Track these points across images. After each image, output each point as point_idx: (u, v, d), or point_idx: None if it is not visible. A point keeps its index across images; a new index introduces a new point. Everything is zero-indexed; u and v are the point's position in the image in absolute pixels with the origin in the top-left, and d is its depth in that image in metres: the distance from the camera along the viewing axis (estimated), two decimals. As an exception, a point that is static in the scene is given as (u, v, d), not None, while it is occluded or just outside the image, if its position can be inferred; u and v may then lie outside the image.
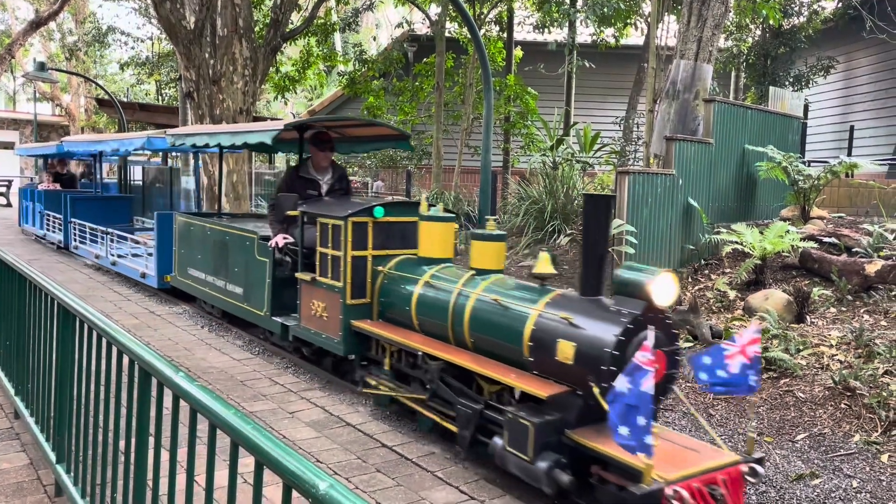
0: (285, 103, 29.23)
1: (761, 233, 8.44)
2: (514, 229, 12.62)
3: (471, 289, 4.69)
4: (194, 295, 8.08)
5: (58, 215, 13.34)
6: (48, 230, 14.19)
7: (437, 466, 4.32)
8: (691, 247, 9.62)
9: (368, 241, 5.40)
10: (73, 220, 12.34)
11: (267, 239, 6.38)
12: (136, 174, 16.66)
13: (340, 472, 4.16)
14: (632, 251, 8.72)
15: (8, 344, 4.65)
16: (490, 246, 5.00)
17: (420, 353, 4.76)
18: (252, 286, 6.66)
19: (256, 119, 17.85)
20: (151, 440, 2.50)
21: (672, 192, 9.48)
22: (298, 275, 5.84)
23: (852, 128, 17.47)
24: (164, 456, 2.34)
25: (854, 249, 8.37)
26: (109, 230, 10.79)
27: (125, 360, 2.65)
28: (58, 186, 15.04)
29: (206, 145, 7.64)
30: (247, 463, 1.82)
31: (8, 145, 33.84)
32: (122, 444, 2.69)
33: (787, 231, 8.42)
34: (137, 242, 10.45)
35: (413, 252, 5.48)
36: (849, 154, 15.50)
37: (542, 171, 12.62)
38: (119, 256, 10.44)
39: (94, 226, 11.33)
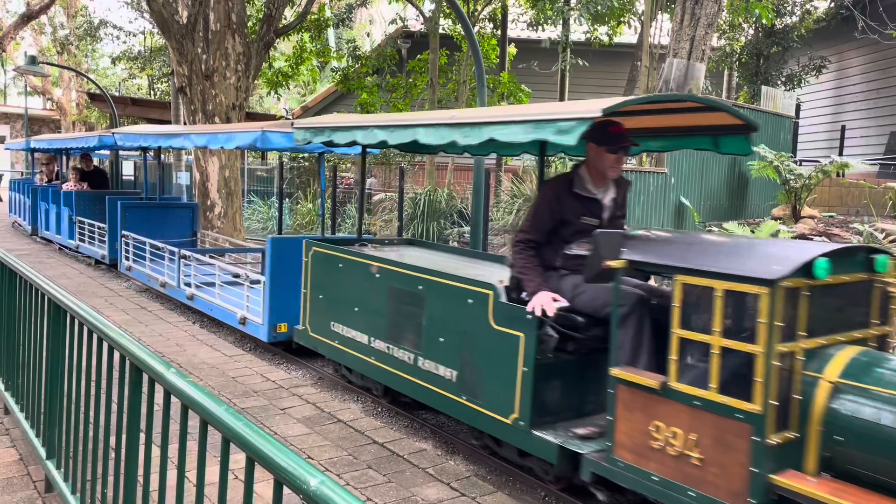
0: (278, 99, 29.17)
1: (752, 231, 8.49)
2: (506, 226, 12.63)
3: None
4: (338, 360, 5.71)
5: (101, 225, 10.91)
6: (82, 240, 11.77)
7: (429, 463, 4.33)
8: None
9: (801, 322, 2.98)
10: (125, 233, 9.69)
11: (517, 299, 4.08)
12: (126, 169, 16.69)
13: (332, 468, 4.17)
14: (624, 249, 8.75)
15: (-2, 339, 4.62)
16: None
17: None
18: (481, 372, 4.22)
19: (250, 115, 17.79)
20: (142, 436, 2.50)
21: (664, 191, 9.52)
22: (619, 372, 3.39)
23: (844, 127, 17.56)
24: (155, 452, 2.33)
25: (844, 248, 8.42)
26: (189, 252, 8.31)
27: (116, 355, 2.64)
28: (85, 186, 13.01)
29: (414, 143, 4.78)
30: (238, 459, 1.82)
31: (-2, 139, 33.62)
32: (112, 439, 2.69)
33: (778, 230, 8.47)
34: (237, 277, 7.42)
35: (865, 337, 3.22)
36: (840, 154, 15.58)
37: (535, 169, 12.63)
38: (200, 287, 7.96)
39: (160, 243, 8.73)
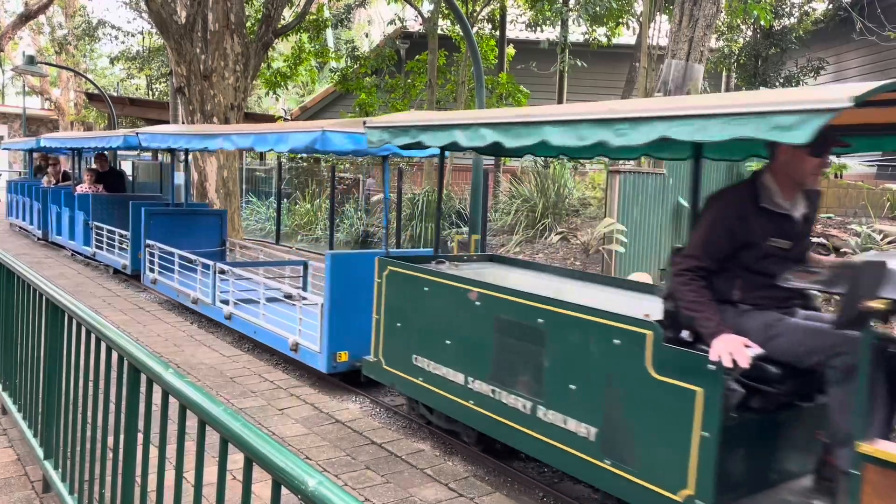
0: (276, 99, 29.17)
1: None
2: (504, 227, 12.64)
3: None
4: (419, 399, 4.88)
5: (122, 232, 10.08)
6: (99, 248, 10.84)
7: (427, 464, 4.33)
8: (681, 246, 9.67)
9: None
10: (150, 242, 8.81)
11: (678, 340, 3.35)
12: (125, 169, 16.51)
13: (330, 468, 4.16)
14: (622, 250, 8.76)
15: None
16: None
17: None
18: (634, 432, 3.36)
19: (248, 116, 17.79)
20: (140, 436, 2.50)
21: (663, 192, 9.52)
22: (871, 449, 2.60)
23: (842, 129, 17.55)
24: (153, 452, 2.33)
25: (842, 250, 8.44)
26: (226, 266, 7.58)
27: (114, 355, 2.64)
28: (101, 189, 12.13)
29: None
30: (236, 459, 1.81)
31: (-4, 139, 33.54)
32: (110, 440, 2.68)
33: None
34: (289, 298, 6.72)
35: None
36: (838, 155, 15.58)
37: (534, 170, 12.65)
38: (239, 305, 7.07)
39: (191, 254, 7.97)
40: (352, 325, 5.51)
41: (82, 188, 12.15)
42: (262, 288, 6.71)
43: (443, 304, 4.54)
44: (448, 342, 4.48)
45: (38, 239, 14.40)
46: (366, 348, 5.27)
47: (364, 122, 4.96)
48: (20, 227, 16.43)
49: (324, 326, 5.59)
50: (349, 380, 5.85)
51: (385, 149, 5.16)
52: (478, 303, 4.26)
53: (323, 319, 5.61)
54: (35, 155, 17.75)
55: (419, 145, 4.63)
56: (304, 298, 6.18)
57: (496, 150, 4.32)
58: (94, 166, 12.99)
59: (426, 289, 4.67)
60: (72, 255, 12.33)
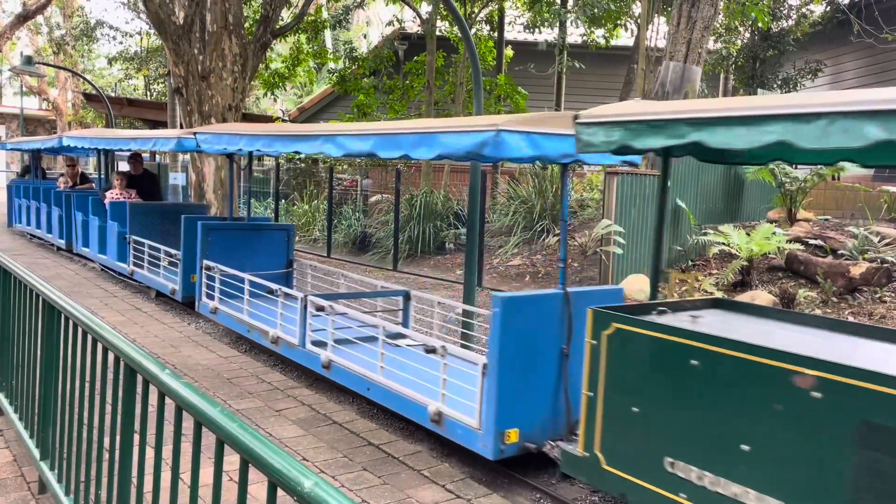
0: (275, 100, 29.17)
1: (748, 234, 8.51)
2: (502, 228, 12.65)
3: None
4: None
5: (169, 250, 8.58)
6: (139, 266, 9.25)
7: (424, 465, 4.33)
8: (679, 248, 9.68)
9: None
10: (209, 263, 7.29)
11: None
12: (117, 167, 16.32)
13: (327, 470, 4.16)
14: (620, 252, 8.77)
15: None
16: None
17: None
18: None
19: (246, 116, 17.79)
20: (136, 437, 2.49)
21: (660, 193, 9.53)
22: None
23: (839, 131, 17.57)
24: (149, 453, 2.33)
25: (839, 252, 8.45)
26: (321, 299, 5.74)
27: (111, 356, 2.64)
28: (133, 195, 10.70)
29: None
30: (232, 461, 1.81)
31: (-7, 139, 33.46)
32: (106, 441, 2.68)
33: (774, 233, 8.49)
34: (431, 353, 4.79)
35: None
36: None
37: (532, 171, 12.66)
38: (337, 347, 5.48)
39: (267, 282, 6.64)
40: (524, 392, 4.14)
41: (113, 194, 10.60)
42: (378, 330, 5.11)
43: (734, 388, 3.04)
44: (745, 448, 2.99)
45: (58, 249, 13.01)
46: (542, 425, 4.12)
47: (575, 118, 3.60)
48: (32, 236, 14.81)
49: (488, 393, 4.08)
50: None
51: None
52: (817, 394, 2.75)
53: (486, 384, 4.09)
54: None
55: (665, 148, 3.39)
56: (443, 349, 4.52)
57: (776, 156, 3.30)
58: (122, 169, 11.85)
59: (694, 362, 3.18)
60: (100, 269, 10.89)
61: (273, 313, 6.25)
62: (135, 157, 11.31)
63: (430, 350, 4.76)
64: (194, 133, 7.48)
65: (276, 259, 8.05)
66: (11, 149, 16.88)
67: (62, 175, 13.86)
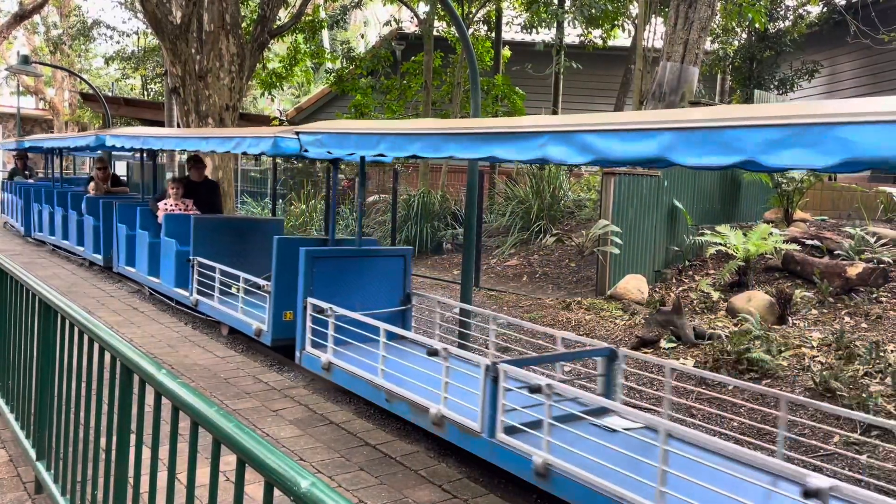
0: (272, 100, 29.15)
1: (745, 235, 8.52)
2: (500, 229, 12.66)
3: None
4: None
5: (254, 279, 6.69)
6: (206, 295, 7.44)
7: (421, 465, 4.33)
8: (676, 248, 9.70)
9: None
10: (317, 302, 5.58)
11: None
12: (119, 170, 16.23)
13: (324, 470, 4.16)
14: (617, 252, 8.78)
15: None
16: None
17: None
18: None
19: (243, 116, 17.75)
20: (133, 437, 2.49)
21: (657, 194, 9.55)
22: None
23: (836, 131, 17.58)
24: (146, 453, 2.33)
25: (836, 252, 8.47)
26: (508, 363, 4.08)
27: (107, 356, 2.63)
28: (190, 206, 9.05)
29: None
30: (229, 461, 1.81)
31: (-10, 139, 33.35)
32: (103, 441, 2.68)
33: (771, 233, 8.51)
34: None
35: None
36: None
37: (529, 172, 12.67)
38: (531, 425, 3.89)
39: (418, 336, 5.23)
40: None
41: (167, 205, 8.93)
42: (578, 404, 4.11)
43: None
44: None
45: (91, 265, 11.22)
46: None
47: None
48: (55, 246, 12.96)
49: None
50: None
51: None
52: None
53: None
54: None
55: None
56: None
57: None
58: (176, 174, 10.52)
59: None
60: (149, 293, 9.05)
61: (422, 375, 4.57)
62: (197, 162, 9.56)
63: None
64: (296, 132, 5.62)
65: (391, 292, 6.34)
66: (29, 147, 14.46)
67: (91, 179, 12.03)
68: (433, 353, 4.38)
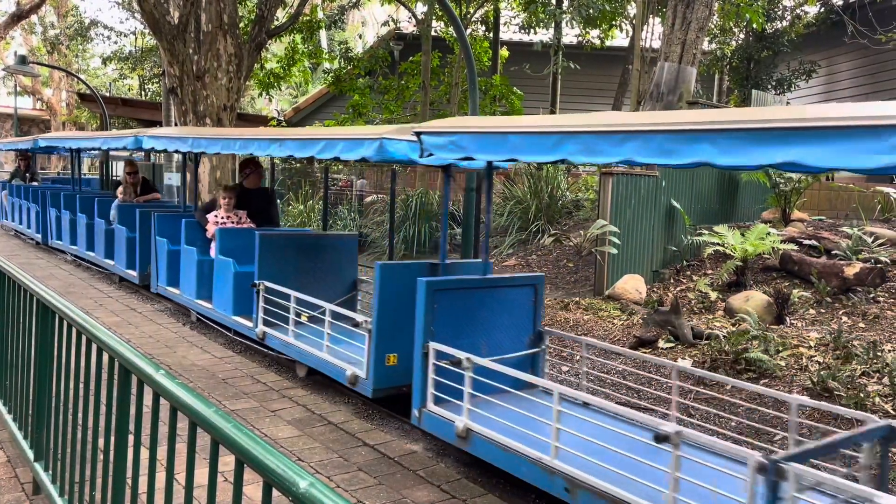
0: (270, 100, 29.12)
1: (742, 235, 8.53)
2: (498, 229, 12.66)
3: None
4: None
5: (337, 310, 5.63)
6: (274, 325, 6.24)
7: (419, 465, 4.33)
8: (674, 248, 9.71)
9: None
10: (438, 345, 4.46)
11: None
12: (116, 170, 16.03)
13: (322, 470, 4.16)
14: (615, 252, 8.79)
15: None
16: None
17: None
18: None
19: (241, 116, 17.74)
20: (131, 438, 2.49)
21: (655, 194, 9.55)
22: None
23: (833, 131, 17.60)
24: (144, 454, 2.32)
25: (833, 252, 8.48)
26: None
27: (105, 357, 2.63)
28: (244, 218, 7.88)
29: None
30: (227, 461, 1.81)
31: (-13, 139, 33.26)
32: (101, 441, 2.67)
33: (768, 233, 8.52)
34: None
35: None
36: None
37: (527, 172, 12.67)
38: None
39: (593, 398, 4.08)
40: None
41: (218, 217, 7.73)
42: None
43: None
44: None
45: (122, 281, 9.88)
46: None
47: None
48: (79, 258, 11.49)
49: None
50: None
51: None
52: None
53: None
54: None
55: None
56: None
57: None
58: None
59: None
60: (196, 319, 7.76)
61: (614, 455, 3.43)
62: (256, 166, 8.32)
63: None
64: (417, 133, 4.51)
65: (520, 328, 5.15)
66: (46, 147, 12.97)
67: (121, 184, 10.81)
68: (662, 438, 3.13)
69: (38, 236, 13.39)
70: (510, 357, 4.82)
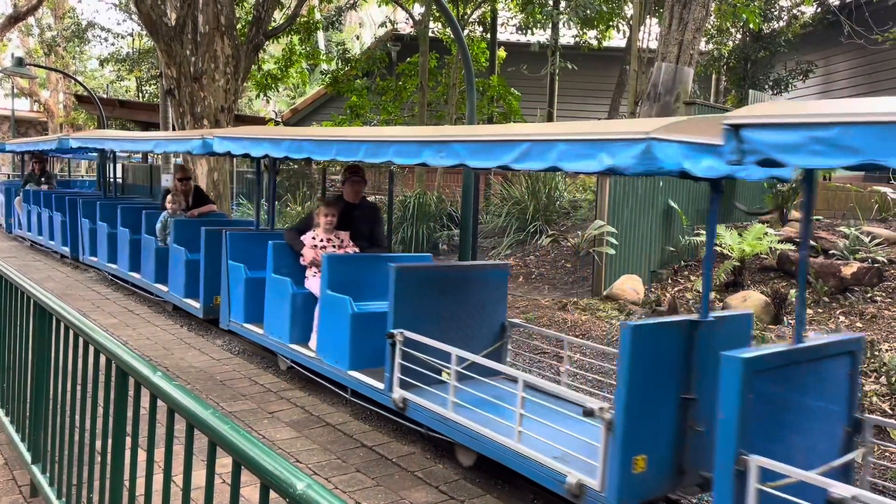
0: (267, 101, 29.10)
1: (740, 235, 8.54)
2: (496, 229, 12.66)
3: None
4: None
5: (539, 384, 4.12)
6: (419, 388, 4.61)
7: (417, 466, 4.33)
8: (671, 248, 9.71)
9: None
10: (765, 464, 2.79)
11: None
12: (114, 172, 15.63)
13: (320, 471, 4.15)
14: (613, 252, 8.80)
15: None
16: None
17: None
18: None
19: (238, 118, 17.73)
20: (128, 440, 2.49)
21: (652, 194, 9.56)
22: None
23: (830, 131, 17.63)
24: (142, 456, 2.32)
25: (831, 252, 8.49)
26: None
27: (102, 359, 2.63)
28: (346, 242, 6.24)
29: None
30: (225, 463, 1.81)
31: (-15, 141, 33.16)
32: (98, 444, 2.67)
33: (766, 233, 8.53)
34: None
35: None
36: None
37: (524, 173, 12.67)
38: None
39: None
40: None
41: (316, 240, 6.16)
42: None
43: None
44: None
45: (177, 310, 8.27)
46: None
47: None
48: (121, 281, 9.74)
49: None
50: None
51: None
52: None
53: None
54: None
55: None
56: None
57: None
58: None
59: None
60: (287, 367, 6.19)
61: None
62: (357, 174, 6.54)
63: None
64: (733, 126, 2.54)
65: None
66: (79, 147, 11.36)
67: (169, 192, 8.90)
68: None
69: (66, 250, 11.68)
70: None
